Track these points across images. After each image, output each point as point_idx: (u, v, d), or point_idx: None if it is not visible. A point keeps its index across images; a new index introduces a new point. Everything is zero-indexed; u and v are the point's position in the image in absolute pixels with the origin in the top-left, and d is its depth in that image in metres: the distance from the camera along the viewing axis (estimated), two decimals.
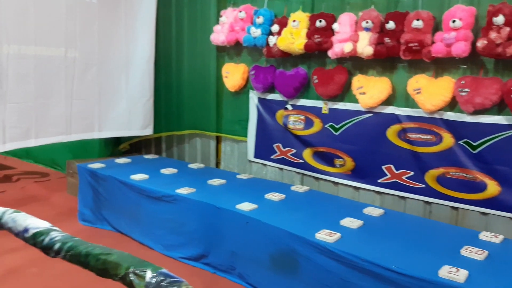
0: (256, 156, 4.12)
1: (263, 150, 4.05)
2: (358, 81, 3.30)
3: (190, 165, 4.23)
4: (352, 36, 3.20)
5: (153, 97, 4.61)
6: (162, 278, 0.85)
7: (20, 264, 3.05)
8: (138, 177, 3.65)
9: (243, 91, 4.10)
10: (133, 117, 4.48)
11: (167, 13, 4.50)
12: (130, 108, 4.43)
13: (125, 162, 4.24)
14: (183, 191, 3.32)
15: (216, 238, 3.12)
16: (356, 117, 3.39)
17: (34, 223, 1.19)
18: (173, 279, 0.84)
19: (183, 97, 4.54)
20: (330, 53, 3.33)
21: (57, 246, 1.05)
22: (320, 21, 3.37)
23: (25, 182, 5.14)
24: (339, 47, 3.24)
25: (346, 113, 3.45)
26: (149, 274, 0.86)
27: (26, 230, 1.17)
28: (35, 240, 1.13)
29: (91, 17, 4.00)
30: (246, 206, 2.97)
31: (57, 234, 1.11)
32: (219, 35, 3.97)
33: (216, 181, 3.61)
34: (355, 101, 3.36)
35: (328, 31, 3.36)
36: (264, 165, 4.08)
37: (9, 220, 1.16)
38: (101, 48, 4.12)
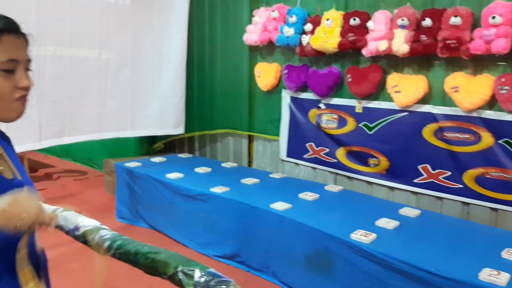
0: (288, 155, 4.13)
1: (296, 149, 4.05)
2: (393, 80, 3.25)
3: (223, 164, 4.28)
4: (387, 34, 3.16)
5: (184, 97, 4.68)
6: (210, 278, 0.87)
7: (62, 260, 3.15)
8: (173, 175, 3.72)
9: (276, 90, 4.11)
10: (165, 116, 4.56)
11: (201, 14, 4.55)
12: (162, 107, 4.51)
13: (160, 161, 4.33)
14: (217, 190, 3.37)
15: (250, 237, 3.15)
16: (391, 116, 3.34)
17: (84, 222, 1.24)
18: (221, 279, 0.86)
19: (216, 96, 4.58)
20: (364, 51, 3.30)
21: (107, 244, 1.09)
22: (354, 19, 3.34)
23: (65, 180, 5.32)
24: (374, 45, 3.21)
25: (380, 112, 3.41)
26: (197, 273, 0.89)
27: (76, 228, 1.22)
28: (86, 238, 1.18)
29: (125, 19, 4.09)
30: (280, 206, 2.99)
31: (106, 232, 1.15)
32: (252, 35, 3.99)
33: (249, 180, 3.63)
34: (390, 99, 3.31)
35: (362, 29, 3.33)
36: (297, 164, 4.08)
37: (60, 219, 1.21)
38: (134, 49, 4.21)
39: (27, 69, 1.04)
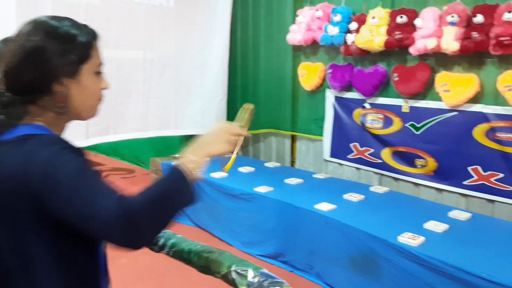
0: (332, 155, 4.09)
1: (339, 149, 4.01)
2: (442, 78, 3.16)
3: (266, 164, 4.30)
4: (436, 32, 3.07)
5: (226, 97, 4.72)
6: (263, 278, 0.88)
7: (111, 255, 3.27)
8: (217, 175, 3.77)
9: (319, 90, 4.08)
10: (206, 116, 4.62)
11: (244, 14, 4.59)
12: (203, 107, 4.57)
13: None
14: (261, 189, 3.38)
15: (294, 237, 3.14)
16: (439, 116, 3.25)
17: None
18: (274, 280, 0.87)
19: (259, 96, 4.60)
20: (411, 49, 3.22)
21: (161, 242, 1.12)
22: (401, 17, 3.26)
23: (113, 177, 5.50)
24: (422, 43, 3.13)
25: (428, 112, 3.32)
26: (250, 274, 0.90)
27: None
28: None
29: (169, 21, 4.19)
30: (324, 206, 2.97)
31: None
32: (296, 34, 3.98)
33: (293, 180, 3.63)
34: (438, 99, 3.22)
35: (410, 27, 3.25)
36: (340, 164, 4.04)
37: None
38: (177, 50, 4.30)
39: None
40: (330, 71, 3.86)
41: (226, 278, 0.94)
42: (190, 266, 1.05)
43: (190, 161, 1.03)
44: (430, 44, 3.07)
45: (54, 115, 1.05)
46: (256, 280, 0.88)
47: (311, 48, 4.08)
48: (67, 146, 0.97)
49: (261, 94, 4.59)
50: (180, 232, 3.52)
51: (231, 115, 4.80)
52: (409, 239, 2.40)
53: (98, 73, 1.10)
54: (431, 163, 3.34)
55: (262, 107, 4.59)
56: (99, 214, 0.87)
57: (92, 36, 1.10)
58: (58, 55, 1.00)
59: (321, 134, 4.13)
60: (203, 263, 1.00)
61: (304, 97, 4.24)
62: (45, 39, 1.00)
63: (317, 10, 3.83)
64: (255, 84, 4.63)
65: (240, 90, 4.75)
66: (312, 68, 4.04)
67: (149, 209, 0.91)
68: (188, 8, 4.33)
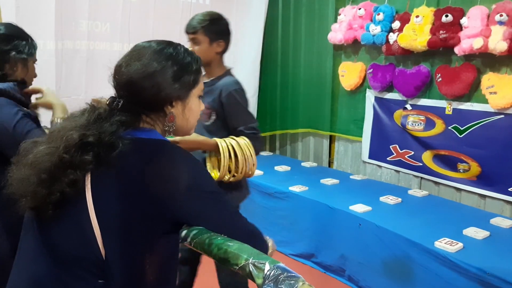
0: (370, 156, 4.01)
1: (379, 151, 3.92)
2: (489, 80, 3.02)
3: (303, 164, 4.27)
4: (483, 31, 2.94)
5: (257, 94, 4.72)
6: (279, 272, 0.87)
7: None
8: None
9: (360, 90, 4.01)
10: None
11: (286, 13, 4.58)
12: None
13: None
14: (296, 188, 3.37)
15: (327, 238, 3.11)
16: (485, 119, 3.11)
17: None
18: (290, 274, 0.86)
19: (299, 95, 4.58)
20: (457, 49, 3.11)
21: (183, 233, 1.14)
22: (447, 15, 3.15)
23: None
24: (468, 43, 3.01)
25: (473, 114, 3.19)
26: (267, 267, 0.90)
27: None
28: None
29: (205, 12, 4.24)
30: (359, 208, 2.92)
31: None
32: (337, 33, 3.93)
33: (329, 181, 3.59)
34: (484, 101, 3.09)
35: (455, 26, 3.14)
36: (379, 166, 3.95)
37: None
38: None
39: None
40: (370, 70, 3.78)
41: (244, 270, 0.93)
42: (210, 257, 1.05)
43: None
44: (476, 44, 2.94)
45: (161, 129, 1.15)
46: (272, 273, 0.87)
47: (352, 47, 4.01)
48: (194, 159, 1.13)
49: (300, 93, 4.56)
50: None
51: (270, 114, 4.80)
52: (446, 245, 2.32)
53: (200, 97, 1.22)
54: (475, 168, 3.20)
55: (301, 106, 4.57)
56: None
57: (200, 63, 1.20)
58: (175, 80, 1.11)
59: (360, 135, 4.05)
60: (222, 255, 1.00)
61: (343, 97, 4.18)
62: (164, 65, 1.10)
63: (359, 8, 3.77)
64: (294, 82, 4.61)
65: (279, 88, 4.74)
66: (353, 67, 3.97)
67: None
68: (224, 5, 4.39)
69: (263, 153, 4.72)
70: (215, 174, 2.09)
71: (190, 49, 2.26)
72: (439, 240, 2.38)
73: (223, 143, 2.02)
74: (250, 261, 0.93)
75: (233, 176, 2.08)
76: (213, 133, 2.15)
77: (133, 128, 1.08)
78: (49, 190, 1.00)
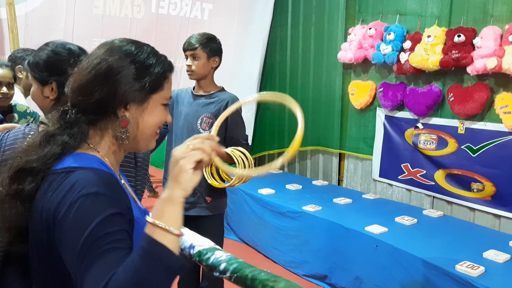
0: (381, 175, 3.99)
1: (389, 170, 3.90)
2: (503, 100, 3.02)
3: (314, 182, 4.25)
4: (497, 51, 2.95)
5: (253, 110, 4.80)
6: None
7: None
8: (264, 191, 3.76)
9: (370, 108, 4.01)
10: None
11: (295, 31, 4.61)
12: None
13: None
14: (309, 208, 3.34)
15: (342, 259, 3.07)
16: (499, 139, 3.10)
17: (198, 241, 1.28)
18: None
19: (307, 113, 4.56)
20: (469, 69, 3.11)
21: (222, 266, 1.11)
22: (459, 35, 3.17)
23: (161, 190, 5.60)
24: (481, 63, 3.02)
25: (486, 134, 3.19)
26: None
27: (192, 246, 1.27)
28: (201, 258, 1.22)
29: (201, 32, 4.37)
30: (376, 229, 2.89)
31: (221, 254, 1.18)
32: (347, 52, 3.94)
33: (341, 200, 3.56)
34: (498, 121, 3.08)
35: (468, 46, 3.15)
36: (390, 185, 3.93)
37: None
38: None
39: None
40: (381, 89, 3.79)
41: None
42: None
43: (165, 216, 0.85)
44: (490, 64, 2.95)
45: (111, 142, 1.03)
46: None
47: (362, 66, 4.03)
48: (103, 193, 0.90)
49: (309, 110, 4.56)
50: (225, 246, 3.51)
51: (279, 131, 4.79)
52: (468, 269, 2.29)
53: (165, 105, 1.07)
54: (489, 188, 3.19)
55: (310, 124, 4.56)
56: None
57: (168, 67, 1.07)
58: (132, 79, 1.00)
59: (370, 153, 4.04)
60: None
61: (353, 115, 4.18)
62: (122, 62, 1.00)
63: (369, 28, 3.78)
64: (304, 100, 4.60)
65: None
66: (363, 86, 3.98)
67: None
68: (221, 22, 4.46)
69: (271, 171, 4.69)
70: (212, 182, 2.26)
71: (188, 64, 2.39)
72: (460, 264, 2.35)
73: (236, 153, 2.18)
74: None
75: (236, 182, 2.25)
76: None
77: (73, 150, 0.99)
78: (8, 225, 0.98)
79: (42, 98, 1.37)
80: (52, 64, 1.33)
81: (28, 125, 1.35)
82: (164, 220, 0.84)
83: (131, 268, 0.80)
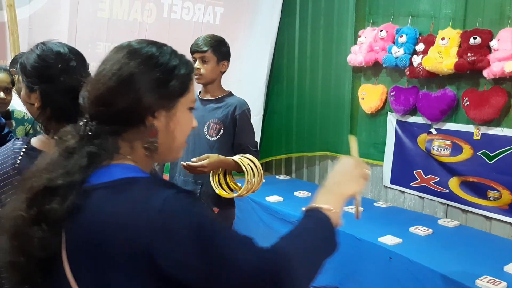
0: (392, 182, 3.87)
1: (401, 176, 3.78)
2: None
3: None
4: None
5: (261, 115, 4.70)
6: None
7: None
8: (272, 198, 3.65)
9: (380, 113, 3.89)
10: None
11: (303, 34, 4.50)
12: None
13: None
14: None
15: (353, 271, 2.95)
16: None
17: None
18: None
19: (316, 118, 4.47)
20: (486, 73, 2.99)
21: None
22: (475, 38, 3.05)
23: None
24: (499, 66, 2.90)
25: (503, 140, 3.06)
26: None
27: None
28: None
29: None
30: (389, 240, 2.77)
31: None
32: (357, 55, 3.83)
33: (352, 208, 3.42)
34: None
35: (484, 49, 3.03)
36: (402, 192, 3.81)
37: None
38: None
39: None
40: (393, 93, 3.67)
41: None
42: None
43: (328, 205, 0.99)
44: (508, 67, 2.83)
45: (142, 153, 0.93)
46: None
47: (373, 70, 3.91)
48: (179, 190, 0.84)
49: (317, 115, 4.45)
50: None
51: (286, 136, 4.69)
52: (489, 284, 2.17)
53: (191, 109, 0.99)
54: (506, 196, 3.06)
55: (318, 129, 4.45)
56: (238, 271, 0.76)
57: (191, 67, 0.99)
58: (158, 84, 0.91)
59: (380, 159, 3.92)
60: None
61: (363, 120, 4.06)
62: (144, 65, 0.90)
63: (380, 30, 3.67)
64: (312, 104, 4.50)
65: (295, 110, 4.64)
66: (373, 90, 3.86)
67: (298, 262, 0.83)
68: (231, 25, 4.37)
69: (279, 177, 4.59)
70: (220, 192, 2.22)
71: (197, 67, 2.29)
72: (480, 279, 2.23)
73: (245, 161, 2.15)
74: None
75: (245, 191, 2.21)
76: (216, 150, 2.29)
77: (101, 165, 0.88)
78: (26, 257, 0.83)
79: (29, 105, 1.26)
80: (38, 71, 1.22)
81: (17, 139, 1.24)
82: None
83: (303, 233, 0.93)
